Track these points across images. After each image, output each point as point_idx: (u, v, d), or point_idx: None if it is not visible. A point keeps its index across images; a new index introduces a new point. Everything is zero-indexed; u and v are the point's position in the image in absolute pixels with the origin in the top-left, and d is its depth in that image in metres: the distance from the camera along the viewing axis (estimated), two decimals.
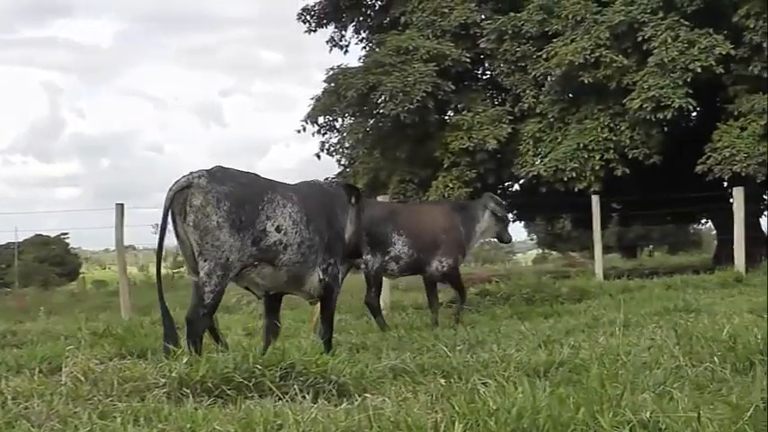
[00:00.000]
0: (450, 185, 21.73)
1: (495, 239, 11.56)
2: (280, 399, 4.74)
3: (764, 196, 24.77)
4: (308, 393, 4.84)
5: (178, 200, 6.25)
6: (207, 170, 6.36)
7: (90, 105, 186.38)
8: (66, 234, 45.79)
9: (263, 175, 6.76)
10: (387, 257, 9.91)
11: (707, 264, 22.27)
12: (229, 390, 4.89)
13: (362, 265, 9.59)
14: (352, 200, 7.25)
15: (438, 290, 10.56)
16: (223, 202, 6.18)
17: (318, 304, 7.35)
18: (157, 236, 6.40)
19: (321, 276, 6.86)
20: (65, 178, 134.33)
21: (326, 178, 26.55)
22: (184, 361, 5.20)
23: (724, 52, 18.96)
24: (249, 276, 6.63)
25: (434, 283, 10.42)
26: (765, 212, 25.91)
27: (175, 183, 6.29)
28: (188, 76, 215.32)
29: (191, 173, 6.31)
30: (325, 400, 4.78)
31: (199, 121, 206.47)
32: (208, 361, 5.18)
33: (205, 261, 6.20)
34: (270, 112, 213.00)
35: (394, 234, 9.89)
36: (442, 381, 5.10)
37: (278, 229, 6.46)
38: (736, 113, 19.55)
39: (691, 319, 7.63)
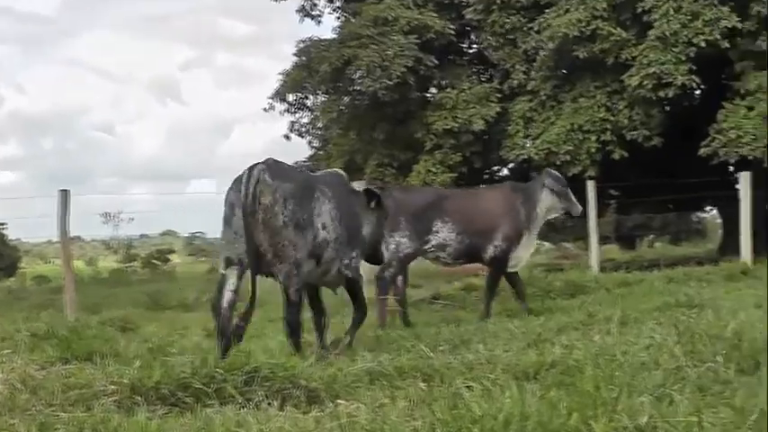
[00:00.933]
0: (433, 170, 21.75)
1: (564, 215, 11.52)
2: (243, 406, 4.72)
3: None
4: (274, 400, 4.84)
5: (243, 192, 6.52)
6: (264, 163, 6.67)
7: (30, 79, 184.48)
8: (3, 224, 45.29)
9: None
10: (427, 246, 10.14)
11: (712, 255, 22.42)
12: (187, 397, 4.88)
13: (391, 246, 9.80)
14: (372, 204, 7.69)
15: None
16: (288, 201, 6.58)
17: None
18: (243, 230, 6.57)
19: (343, 270, 7.30)
20: (1, 161, 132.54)
21: (296, 162, 26.54)
22: (137, 365, 5.17)
23: (730, 25, 19.05)
24: None
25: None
26: None
27: (247, 177, 6.52)
28: (143, 47, 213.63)
29: (253, 165, 6.61)
30: (293, 407, 4.76)
31: (154, 97, 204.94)
32: (163, 365, 5.14)
33: (282, 263, 6.65)
34: (234, 89, 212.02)
35: (437, 221, 10.11)
36: (423, 385, 5.09)
37: (323, 227, 6.93)
38: (742, 92, 19.66)
39: (693, 316, 7.64)
